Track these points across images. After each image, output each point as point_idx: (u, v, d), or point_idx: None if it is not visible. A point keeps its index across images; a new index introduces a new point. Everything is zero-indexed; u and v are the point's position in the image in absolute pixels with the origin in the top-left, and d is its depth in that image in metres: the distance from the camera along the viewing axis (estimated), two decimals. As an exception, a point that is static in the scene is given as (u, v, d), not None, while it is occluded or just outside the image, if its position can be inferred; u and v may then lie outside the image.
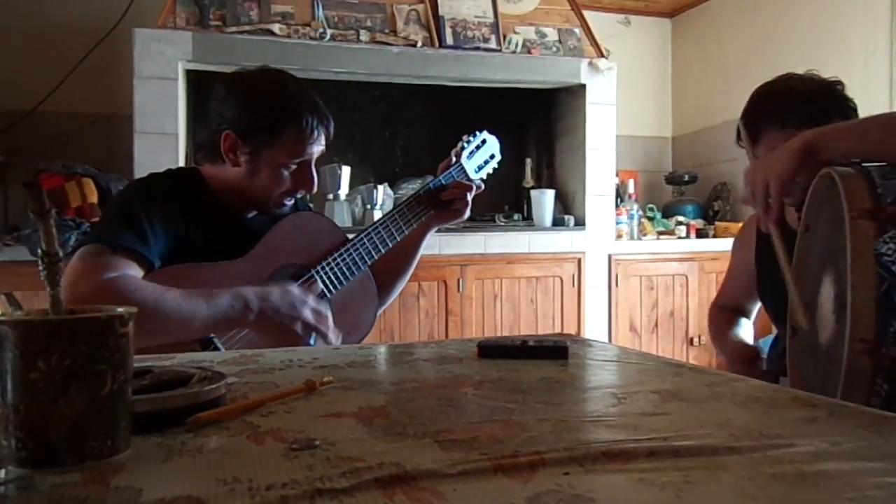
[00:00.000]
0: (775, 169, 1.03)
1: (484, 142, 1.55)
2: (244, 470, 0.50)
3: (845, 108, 1.35)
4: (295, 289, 1.24)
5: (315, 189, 1.36)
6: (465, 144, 1.51)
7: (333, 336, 1.25)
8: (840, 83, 1.37)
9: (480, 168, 1.53)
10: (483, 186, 1.50)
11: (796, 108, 1.35)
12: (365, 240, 1.38)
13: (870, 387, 0.84)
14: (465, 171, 1.48)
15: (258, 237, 1.33)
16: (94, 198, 2.59)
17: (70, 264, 1.15)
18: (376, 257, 1.39)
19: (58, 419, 0.51)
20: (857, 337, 0.85)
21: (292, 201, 1.37)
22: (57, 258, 0.57)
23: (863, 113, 1.37)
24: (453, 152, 1.50)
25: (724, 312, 1.72)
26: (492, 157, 1.56)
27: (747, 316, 1.70)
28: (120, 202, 1.33)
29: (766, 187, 1.04)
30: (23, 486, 0.49)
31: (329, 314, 1.25)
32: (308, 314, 1.21)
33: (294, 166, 1.31)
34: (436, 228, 1.50)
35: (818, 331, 1.00)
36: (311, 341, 1.23)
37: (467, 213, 1.47)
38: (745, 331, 1.66)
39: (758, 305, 1.67)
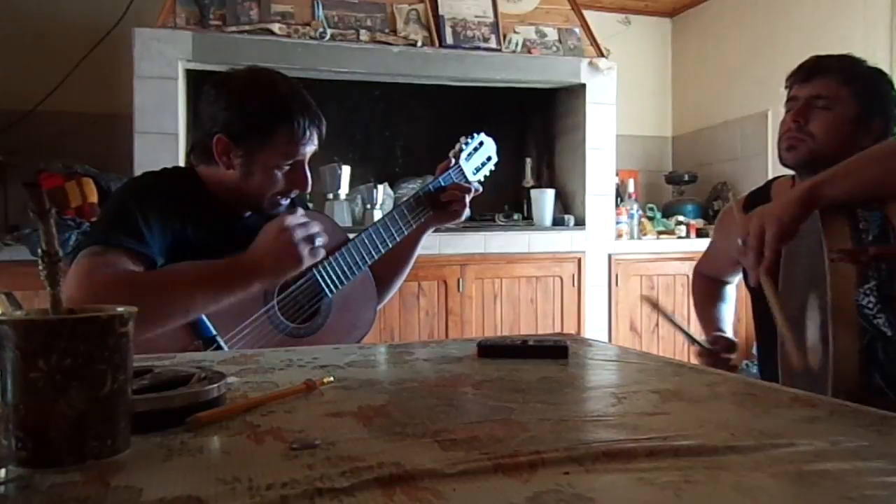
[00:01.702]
0: (776, 212, 0.93)
1: (481, 143, 1.55)
2: (244, 470, 0.50)
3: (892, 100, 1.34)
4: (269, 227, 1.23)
5: (309, 189, 1.35)
6: (464, 146, 1.51)
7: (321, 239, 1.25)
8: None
9: (478, 170, 1.54)
10: (481, 189, 1.51)
11: (863, 74, 1.33)
12: (365, 239, 1.38)
13: None
14: (463, 173, 1.49)
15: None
16: (94, 198, 2.59)
17: (70, 271, 1.15)
18: (376, 257, 1.40)
19: (58, 419, 0.51)
20: (841, 389, 0.85)
21: (287, 201, 1.37)
22: (57, 258, 0.57)
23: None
24: (451, 154, 1.50)
25: (708, 282, 1.77)
26: (489, 159, 1.57)
27: (729, 282, 1.76)
28: (115, 202, 1.33)
29: (762, 233, 0.93)
30: (23, 486, 0.49)
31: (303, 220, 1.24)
32: (298, 234, 1.21)
33: (287, 167, 1.30)
34: (433, 229, 1.51)
35: (807, 350, 0.99)
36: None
37: (465, 215, 1.48)
38: (728, 304, 1.72)
39: (739, 276, 1.71)
